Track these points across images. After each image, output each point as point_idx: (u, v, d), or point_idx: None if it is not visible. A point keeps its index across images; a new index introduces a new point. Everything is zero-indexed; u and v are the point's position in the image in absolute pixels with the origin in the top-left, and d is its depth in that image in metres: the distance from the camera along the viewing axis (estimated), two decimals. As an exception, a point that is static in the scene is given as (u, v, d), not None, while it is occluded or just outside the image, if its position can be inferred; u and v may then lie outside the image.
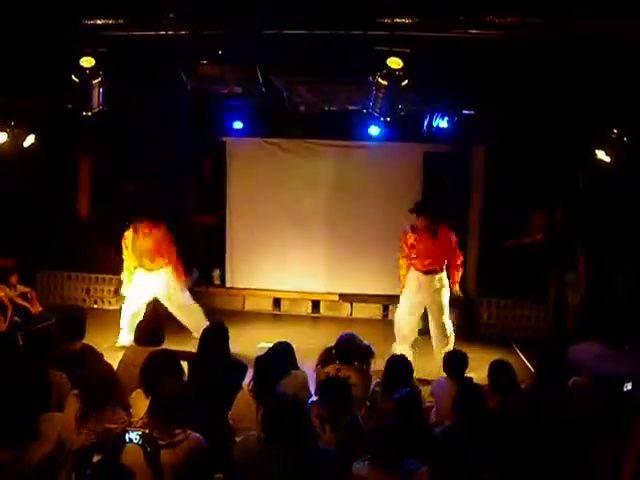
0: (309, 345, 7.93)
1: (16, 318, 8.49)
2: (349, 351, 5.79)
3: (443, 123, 9.17)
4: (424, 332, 8.07)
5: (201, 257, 10.61)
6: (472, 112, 9.20)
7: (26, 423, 3.62)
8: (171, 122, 9.33)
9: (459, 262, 7.86)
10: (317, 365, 5.99)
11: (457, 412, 4.56)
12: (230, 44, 6.67)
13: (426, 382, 6.13)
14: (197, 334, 6.46)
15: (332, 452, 4.05)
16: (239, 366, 5.49)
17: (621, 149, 7.90)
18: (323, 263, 9.31)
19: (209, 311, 8.25)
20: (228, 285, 10.40)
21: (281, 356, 5.43)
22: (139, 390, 4.74)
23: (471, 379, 5.50)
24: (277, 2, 6.16)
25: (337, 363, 5.71)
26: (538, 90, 7.44)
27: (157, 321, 6.01)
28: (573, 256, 8.82)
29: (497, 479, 4.01)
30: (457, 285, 7.91)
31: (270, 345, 6.98)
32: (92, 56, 6.58)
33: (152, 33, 6.46)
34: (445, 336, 7.77)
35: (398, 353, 6.32)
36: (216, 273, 10.59)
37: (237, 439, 4.43)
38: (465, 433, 4.29)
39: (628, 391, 4.30)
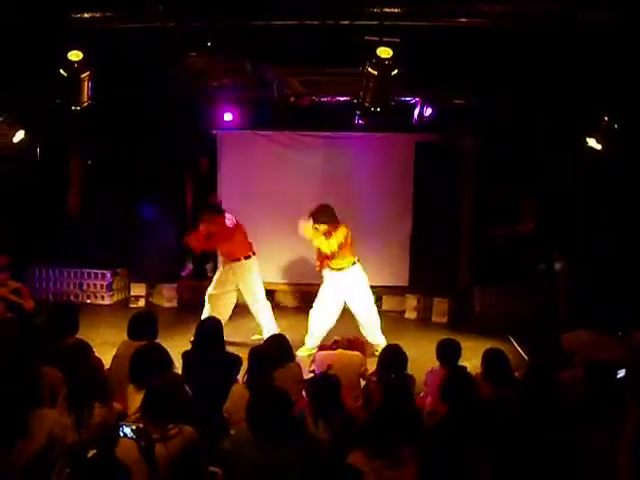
0: (302, 337, 7.95)
1: (9, 314, 8.43)
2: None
3: (434, 113, 9.17)
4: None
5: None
6: (463, 101, 9.21)
7: (17, 420, 3.61)
8: (160, 116, 9.28)
9: None
10: (316, 352, 6.12)
11: (444, 397, 4.55)
12: (219, 35, 6.64)
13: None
14: None
15: (325, 444, 4.04)
16: (233, 359, 5.48)
17: (612, 136, 7.90)
18: (315, 255, 9.27)
19: (202, 304, 8.23)
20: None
21: (275, 348, 5.43)
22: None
23: (465, 368, 5.50)
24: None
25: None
26: (529, 78, 7.45)
27: (149, 315, 5.97)
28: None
29: (491, 467, 4.01)
30: None
31: (264, 337, 7.02)
32: (80, 50, 6.54)
33: (140, 25, 6.43)
34: None
35: None
36: (209, 266, 10.58)
37: (231, 432, 4.43)
38: (456, 420, 4.29)
39: (620, 378, 4.30)
